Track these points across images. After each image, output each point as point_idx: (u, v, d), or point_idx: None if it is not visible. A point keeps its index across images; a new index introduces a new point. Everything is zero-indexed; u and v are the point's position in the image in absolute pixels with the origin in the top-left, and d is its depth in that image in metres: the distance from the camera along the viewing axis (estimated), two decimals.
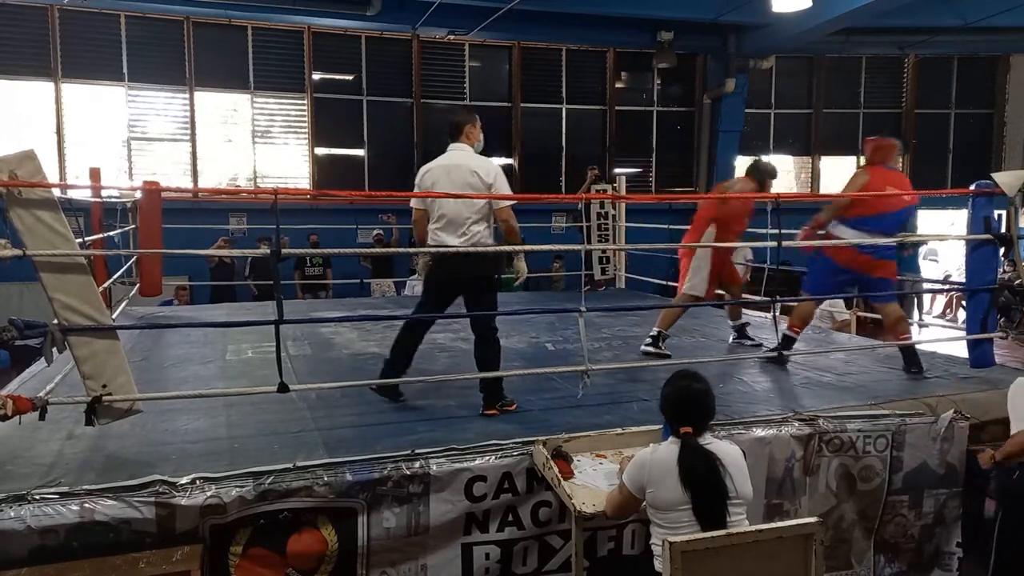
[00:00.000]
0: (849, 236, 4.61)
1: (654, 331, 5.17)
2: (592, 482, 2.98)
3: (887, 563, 3.78)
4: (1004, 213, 4.55)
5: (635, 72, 13.99)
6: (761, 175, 5.34)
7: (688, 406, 2.66)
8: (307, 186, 12.28)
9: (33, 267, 2.87)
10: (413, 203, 4.04)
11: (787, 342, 4.82)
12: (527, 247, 3.99)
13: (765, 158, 5.77)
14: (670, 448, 2.60)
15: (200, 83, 11.79)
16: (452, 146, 3.97)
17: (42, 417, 2.97)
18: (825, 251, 4.78)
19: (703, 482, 2.52)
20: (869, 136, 5.04)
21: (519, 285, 4.19)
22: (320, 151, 12.47)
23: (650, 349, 5.10)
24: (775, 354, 4.63)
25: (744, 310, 5.90)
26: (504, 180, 3.89)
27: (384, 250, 12.21)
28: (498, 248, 3.93)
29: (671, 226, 9.35)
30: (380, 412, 3.83)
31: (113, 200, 7.07)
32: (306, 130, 12.32)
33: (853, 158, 14.83)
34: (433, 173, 3.92)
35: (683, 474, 2.52)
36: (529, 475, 3.15)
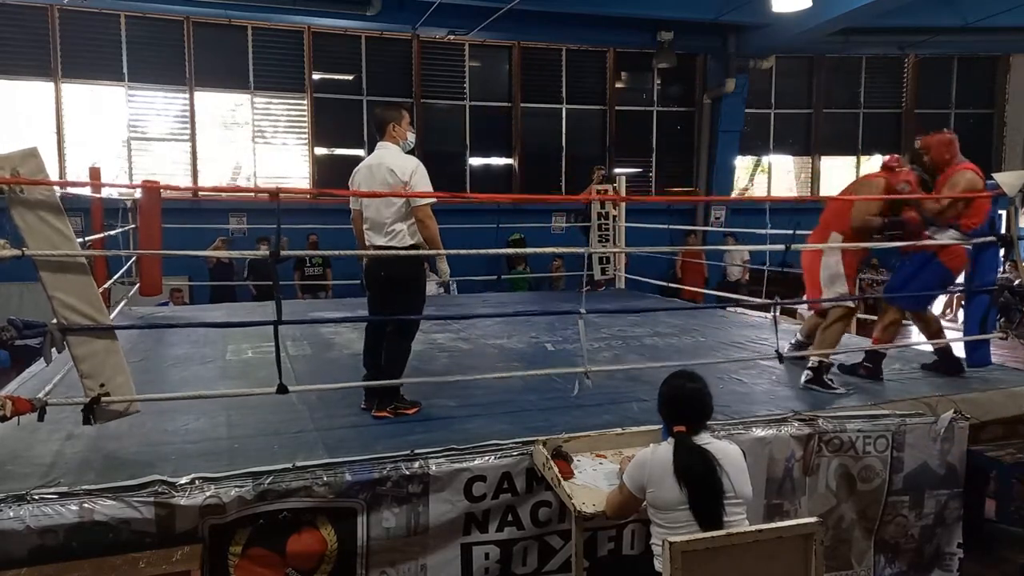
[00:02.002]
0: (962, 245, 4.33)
1: (815, 362, 4.28)
2: (592, 482, 2.98)
3: (887, 563, 3.78)
4: (1004, 213, 4.54)
5: (635, 72, 13.98)
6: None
7: (681, 405, 2.68)
8: (307, 186, 12.26)
9: (33, 266, 2.86)
10: (350, 203, 4.03)
11: (876, 358, 4.51)
12: (529, 250, 3.96)
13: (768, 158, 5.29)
14: (668, 448, 2.61)
15: (200, 83, 11.78)
16: (378, 144, 3.93)
17: (41, 418, 2.96)
18: (942, 258, 4.35)
19: (698, 480, 2.52)
20: (927, 134, 4.53)
21: (440, 286, 4.05)
22: (320, 151, 12.45)
23: (814, 387, 4.21)
24: (865, 374, 4.43)
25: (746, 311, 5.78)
26: (422, 178, 3.77)
27: (384, 251, 12.18)
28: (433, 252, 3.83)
29: (671, 226, 9.36)
30: None
31: (113, 200, 7.08)
32: (306, 130, 12.31)
33: (853, 158, 14.85)
34: (359, 173, 3.92)
35: (678, 472, 2.53)
36: (529, 475, 3.15)
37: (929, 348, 4.82)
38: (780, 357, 4.13)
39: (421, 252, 3.83)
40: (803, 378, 4.28)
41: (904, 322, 4.81)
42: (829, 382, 4.22)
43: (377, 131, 3.94)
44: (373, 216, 3.83)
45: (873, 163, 15.07)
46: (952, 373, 4.56)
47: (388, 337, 3.87)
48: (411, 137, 3.98)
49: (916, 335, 5.18)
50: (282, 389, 3.24)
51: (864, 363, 4.54)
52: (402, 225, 3.77)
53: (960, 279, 4.66)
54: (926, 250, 4.39)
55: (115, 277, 6.53)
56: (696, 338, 5.93)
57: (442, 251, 3.85)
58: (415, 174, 3.76)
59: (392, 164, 3.77)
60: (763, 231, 6.02)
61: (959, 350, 4.73)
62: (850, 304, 4.41)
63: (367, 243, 3.92)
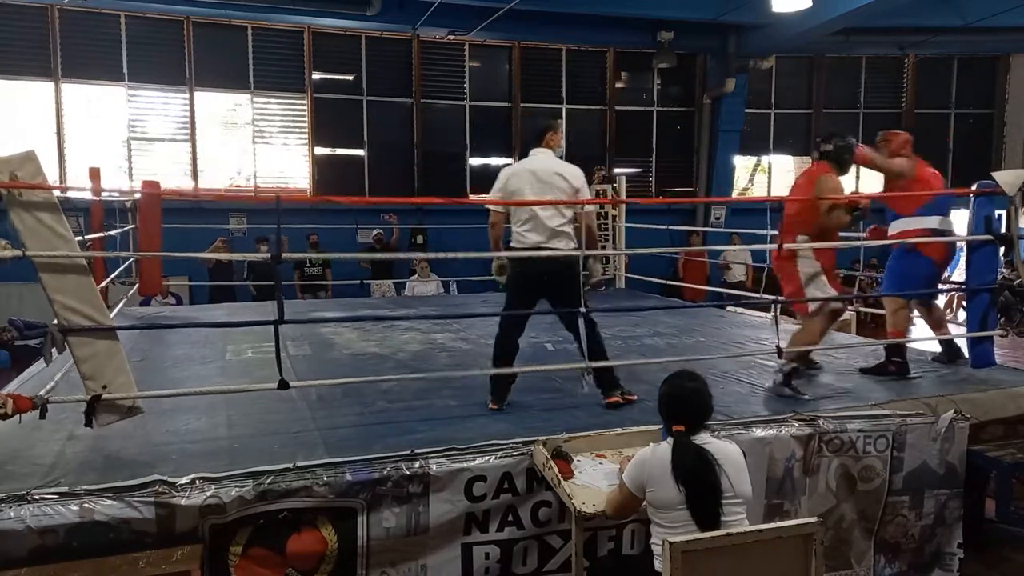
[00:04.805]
0: (931, 224, 4.47)
1: (786, 366, 4.08)
2: (592, 482, 2.98)
3: (887, 563, 3.78)
4: (1004, 213, 4.54)
5: (635, 72, 13.97)
6: (836, 155, 4.46)
7: (680, 404, 2.69)
8: (307, 186, 12.26)
9: (33, 268, 2.87)
10: (493, 205, 4.16)
11: (900, 351, 4.46)
12: (527, 252, 3.99)
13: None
14: (667, 447, 2.61)
15: (200, 83, 11.78)
16: (535, 151, 4.10)
17: (43, 416, 2.96)
18: (922, 250, 4.47)
19: (696, 479, 2.53)
20: (886, 130, 4.87)
21: (595, 284, 4.23)
22: (320, 151, 12.45)
23: (786, 391, 4.03)
24: (896, 370, 4.44)
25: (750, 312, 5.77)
26: (587, 186, 4.10)
27: (386, 254, 12.18)
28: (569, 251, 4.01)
29: (671, 227, 9.36)
30: (380, 412, 3.83)
31: (113, 200, 7.08)
32: (306, 130, 12.31)
33: None
34: (519, 176, 4.04)
35: (675, 471, 2.54)
36: (529, 475, 3.16)
37: (930, 343, 4.89)
38: (780, 355, 4.12)
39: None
40: (773, 381, 4.11)
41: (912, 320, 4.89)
42: (797, 387, 4.06)
43: (535, 137, 4.14)
44: (542, 217, 3.92)
45: None
46: (956, 359, 4.66)
47: (586, 328, 3.93)
48: (563, 145, 4.19)
49: (916, 334, 5.18)
50: (283, 385, 3.24)
51: (892, 359, 4.52)
52: (570, 228, 3.98)
53: (959, 275, 4.74)
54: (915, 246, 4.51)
55: (112, 275, 6.52)
56: (696, 338, 5.93)
57: (598, 252, 4.11)
58: (584, 182, 4.03)
59: (563, 171, 3.99)
60: (763, 231, 6.02)
61: (962, 348, 4.75)
62: (838, 304, 4.30)
63: (521, 243, 4.01)
